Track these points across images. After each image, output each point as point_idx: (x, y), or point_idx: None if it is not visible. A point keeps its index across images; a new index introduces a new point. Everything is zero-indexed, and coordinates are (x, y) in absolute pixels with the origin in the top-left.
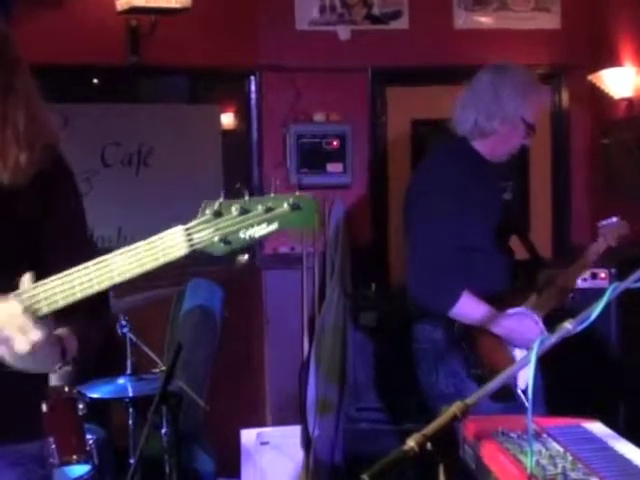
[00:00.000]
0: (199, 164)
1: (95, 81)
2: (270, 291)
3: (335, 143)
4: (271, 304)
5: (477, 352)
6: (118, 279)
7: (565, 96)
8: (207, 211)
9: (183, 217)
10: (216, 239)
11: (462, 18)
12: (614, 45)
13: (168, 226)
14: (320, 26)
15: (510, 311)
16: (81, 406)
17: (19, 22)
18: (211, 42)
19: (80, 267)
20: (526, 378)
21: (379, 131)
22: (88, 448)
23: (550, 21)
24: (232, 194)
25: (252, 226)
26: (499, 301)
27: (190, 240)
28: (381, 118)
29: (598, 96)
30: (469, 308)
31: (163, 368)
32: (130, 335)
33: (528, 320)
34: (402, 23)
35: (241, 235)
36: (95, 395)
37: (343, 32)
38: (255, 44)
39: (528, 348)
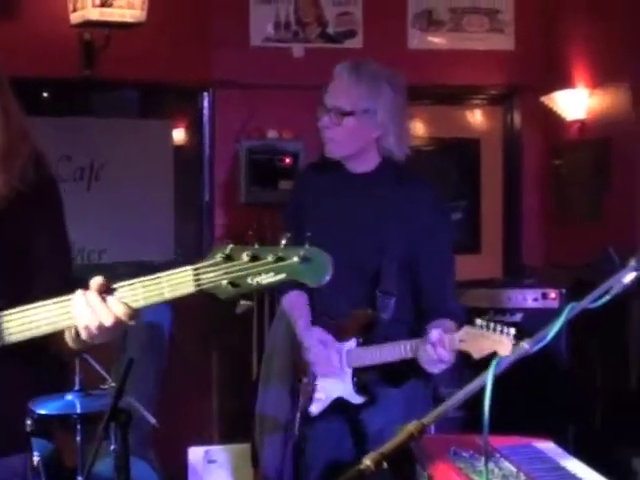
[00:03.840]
0: (151, 179)
1: (46, 94)
2: (219, 308)
3: (287, 160)
4: (220, 321)
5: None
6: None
7: (518, 117)
8: (218, 254)
9: (134, 232)
10: (224, 282)
11: (416, 38)
12: (567, 67)
13: (119, 240)
14: (274, 43)
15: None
16: (29, 422)
17: None
18: (165, 57)
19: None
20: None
21: None
22: (35, 465)
23: (504, 42)
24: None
25: (260, 274)
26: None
27: (198, 280)
28: None
29: (551, 117)
30: (287, 304)
31: (112, 384)
32: None
33: (326, 352)
34: (356, 42)
35: (249, 280)
36: (43, 411)
37: (297, 50)
38: (209, 60)
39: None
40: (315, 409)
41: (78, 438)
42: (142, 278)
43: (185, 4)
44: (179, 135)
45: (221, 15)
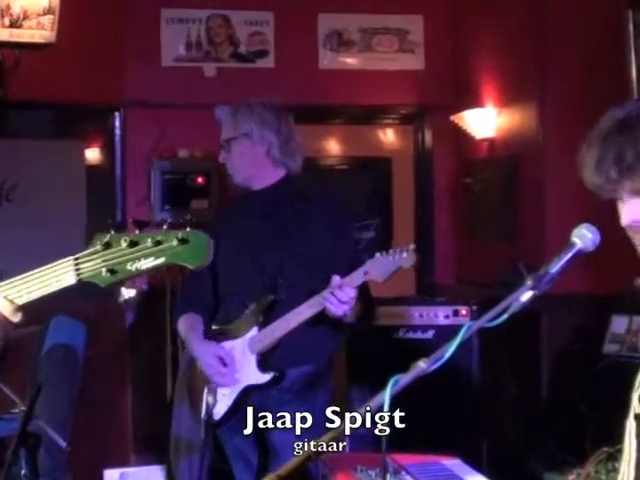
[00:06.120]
0: (63, 200)
1: None
2: (134, 328)
3: (200, 180)
4: (135, 341)
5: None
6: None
7: (428, 136)
8: (97, 242)
9: (46, 252)
10: (103, 270)
11: (327, 58)
12: (476, 87)
13: (31, 260)
14: (186, 62)
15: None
16: None
17: None
18: (76, 77)
19: None
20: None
21: None
22: None
23: (414, 62)
24: (103, 230)
25: (139, 259)
26: (221, 334)
27: (78, 270)
28: None
29: (461, 136)
30: (181, 326)
31: (23, 408)
32: None
33: (210, 354)
34: (268, 62)
35: (128, 267)
36: None
37: (209, 69)
38: (121, 80)
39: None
40: (220, 409)
41: None
42: (26, 274)
43: (96, 25)
44: (91, 155)
45: (132, 35)
